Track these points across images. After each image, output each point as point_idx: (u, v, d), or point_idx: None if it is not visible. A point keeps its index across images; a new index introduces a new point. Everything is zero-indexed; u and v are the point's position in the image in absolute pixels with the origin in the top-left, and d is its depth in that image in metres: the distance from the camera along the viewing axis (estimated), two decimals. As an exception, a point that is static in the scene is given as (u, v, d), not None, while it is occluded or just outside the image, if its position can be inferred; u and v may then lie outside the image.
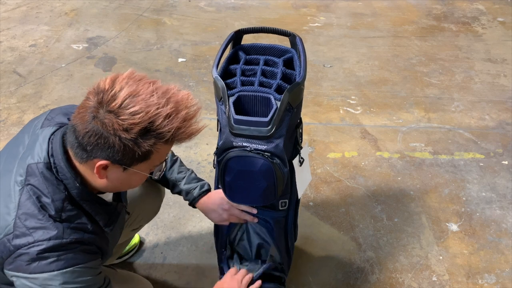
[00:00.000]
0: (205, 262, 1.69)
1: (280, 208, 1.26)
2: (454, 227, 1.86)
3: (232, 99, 1.08)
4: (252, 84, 1.11)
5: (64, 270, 0.89)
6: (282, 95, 1.04)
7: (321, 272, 1.67)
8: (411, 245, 1.78)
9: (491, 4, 4.00)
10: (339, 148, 2.27)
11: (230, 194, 1.18)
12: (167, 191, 1.44)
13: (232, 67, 1.18)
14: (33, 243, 0.87)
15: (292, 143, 1.20)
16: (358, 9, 3.87)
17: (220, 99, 1.09)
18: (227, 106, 1.07)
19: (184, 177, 1.33)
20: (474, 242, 1.80)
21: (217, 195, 1.29)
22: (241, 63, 1.19)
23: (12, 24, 3.41)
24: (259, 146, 1.08)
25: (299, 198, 1.33)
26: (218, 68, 1.15)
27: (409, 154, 2.24)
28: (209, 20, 3.54)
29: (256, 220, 1.27)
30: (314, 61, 3.05)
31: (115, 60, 2.98)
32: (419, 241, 1.79)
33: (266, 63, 1.19)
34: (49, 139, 0.95)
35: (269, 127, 1.05)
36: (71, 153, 0.92)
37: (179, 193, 1.34)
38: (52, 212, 0.90)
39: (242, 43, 1.27)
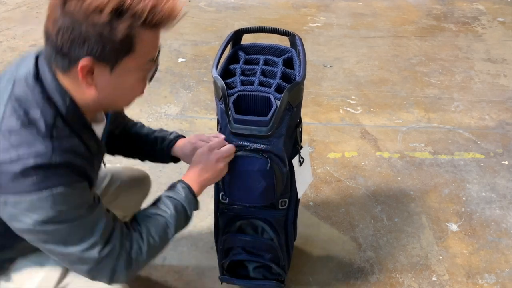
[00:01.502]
0: (205, 262, 1.69)
1: (280, 208, 1.26)
2: (454, 227, 1.86)
3: (232, 98, 1.08)
4: (252, 83, 1.11)
5: (49, 192, 0.79)
6: (282, 95, 1.04)
7: (321, 272, 1.67)
8: (411, 245, 1.78)
9: (491, 4, 4.00)
10: (339, 148, 2.27)
11: (230, 193, 1.18)
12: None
13: (232, 66, 1.18)
14: (17, 159, 0.77)
15: (292, 142, 1.20)
16: (358, 9, 3.87)
17: (220, 99, 1.09)
18: (227, 106, 1.07)
19: (155, 130, 1.27)
20: (474, 242, 1.80)
21: (193, 135, 1.24)
22: (240, 62, 1.19)
23: (12, 24, 3.42)
24: (259, 145, 1.08)
25: (299, 198, 1.33)
26: (218, 67, 1.15)
27: (409, 154, 2.24)
28: (209, 20, 3.54)
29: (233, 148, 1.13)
30: (314, 61, 3.05)
31: (115, 60, 2.98)
32: (419, 241, 1.79)
33: (266, 62, 1.19)
34: (34, 59, 0.86)
35: (269, 126, 1.05)
36: (53, 67, 0.83)
37: (153, 144, 1.24)
38: (42, 128, 0.80)
39: (241, 43, 1.27)
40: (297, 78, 1.08)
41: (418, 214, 1.91)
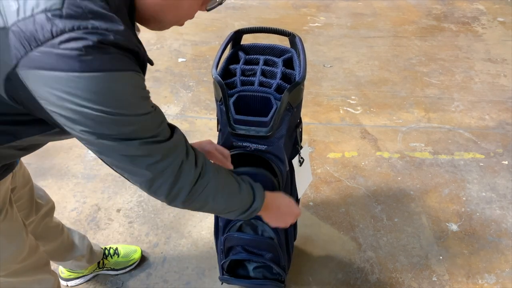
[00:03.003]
0: (205, 262, 1.69)
1: None
2: (454, 227, 1.86)
3: (232, 99, 1.08)
4: (252, 84, 1.11)
5: (118, 73, 0.67)
6: (282, 95, 1.04)
7: (321, 272, 1.67)
8: (411, 245, 1.78)
9: (491, 4, 4.00)
10: (339, 148, 2.27)
11: None
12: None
13: (232, 67, 1.18)
14: (91, 31, 0.63)
15: (292, 142, 1.20)
16: (358, 9, 3.87)
17: (220, 99, 1.09)
18: (227, 106, 1.07)
19: None
20: (474, 242, 1.80)
21: (203, 141, 1.17)
22: (240, 63, 1.19)
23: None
24: (259, 146, 1.08)
25: (299, 198, 1.33)
26: (218, 68, 1.15)
27: (409, 154, 2.24)
28: (209, 20, 3.54)
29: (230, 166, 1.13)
30: (314, 61, 3.05)
31: (115, 60, 2.98)
32: (419, 241, 1.79)
33: (266, 63, 1.19)
34: None
35: (269, 127, 1.05)
36: None
37: None
38: (112, 3, 0.69)
39: (241, 43, 1.27)
40: (297, 79, 1.08)
41: (418, 214, 1.91)
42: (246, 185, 0.95)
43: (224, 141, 1.11)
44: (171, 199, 0.83)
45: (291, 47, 1.25)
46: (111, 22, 0.66)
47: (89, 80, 0.64)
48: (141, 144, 0.74)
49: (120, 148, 0.73)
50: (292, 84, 1.05)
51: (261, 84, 1.11)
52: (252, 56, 1.22)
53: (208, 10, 0.82)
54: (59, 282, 1.28)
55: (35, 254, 1.13)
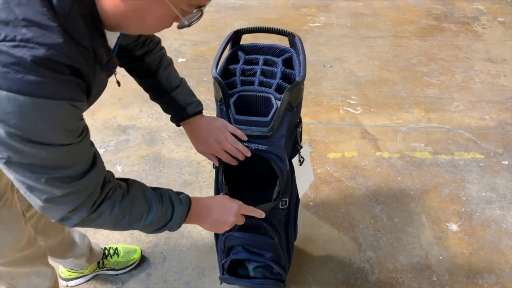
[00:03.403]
0: (205, 262, 1.69)
1: (281, 207, 1.26)
2: (454, 227, 1.86)
3: (232, 99, 1.08)
4: (252, 84, 1.11)
5: (50, 101, 0.61)
6: (282, 95, 1.04)
7: (321, 272, 1.67)
8: (411, 245, 1.78)
9: (491, 4, 4.00)
10: (339, 148, 2.27)
11: (231, 192, 1.18)
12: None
13: (231, 67, 1.18)
14: (20, 42, 0.58)
15: (292, 142, 1.20)
16: (358, 9, 3.87)
17: (220, 99, 1.09)
18: (228, 106, 1.07)
19: (179, 85, 1.15)
20: (474, 242, 1.80)
21: (215, 122, 1.12)
22: (240, 63, 1.19)
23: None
24: (260, 146, 1.08)
25: (299, 198, 1.33)
26: (218, 68, 1.15)
27: (409, 154, 2.24)
28: (209, 20, 3.54)
29: (249, 153, 1.09)
30: (314, 61, 3.05)
31: (115, 60, 2.98)
32: (419, 241, 1.79)
33: (266, 62, 1.19)
34: None
35: (270, 126, 1.05)
36: None
37: (168, 103, 1.16)
38: (60, 11, 0.61)
39: (241, 43, 1.27)
40: (297, 78, 1.08)
41: (418, 214, 1.91)
42: (161, 206, 0.91)
43: None
44: (60, 221, 0.80)
45: (290, 47, 1.25)
46: (48, 33, 0.59)
47: (6, 100, 0.59)
48: (47, 180, 0.70)
49: (21, 173, 0.69)
50: (292, 84, 1.05)
51: (261, 84, 1.11)
52: (252, 56, 1.22)
53: (179, 28, 0.75)
54: (56, 276, 1.28)
55: (33, 244, 1.13)
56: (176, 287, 1.61)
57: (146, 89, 1.19)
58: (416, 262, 1.71)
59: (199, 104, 1.18)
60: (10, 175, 0.70)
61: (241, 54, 1.22)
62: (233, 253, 1.37)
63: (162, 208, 0.91)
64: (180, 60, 3.04)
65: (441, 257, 1.73)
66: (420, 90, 2.76)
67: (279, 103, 1.05)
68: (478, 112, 2.57)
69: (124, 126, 2.39)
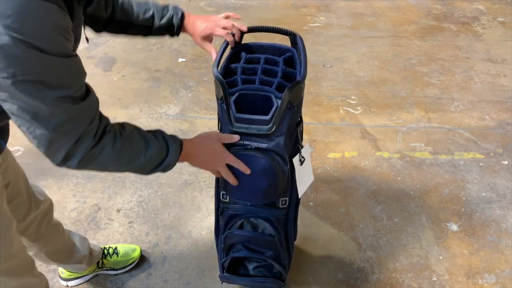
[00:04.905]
0: (205, 262, 1.69)
1: (281, 207, 1.26)
2: (454, 227, 1.86)
3: (233, 97, 1.08)
4: (253, 82, 1.10)
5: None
6: (283, 94, 1.04)
7: (321, 272, 1.66)
8: (411, 245, 1.78)
9: (491, 4, 4.00)
10: (339, 148, 2.27)
11: (232, 192, 1.18)
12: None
13: (232, 65, 1.18)
14: None
15: (293, 142, 1.20)
16: (358, 9, 3.87)
17: (221, 98, 1.09)
18: (228, 105, 1.07)
19: (153, 12, 1.20)
20: (474, 242, 1.80)
21: (202, 16, 1.23)
22: (241, 62, 1.19)
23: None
24: (260, 144, 1.08)
25: (299, 197, 1.33)
26: (219, 66, 1.15)
27: (409, 154, 2.24)
28: (209, 20, 3.54)
29: (244, 28, 1.21)
30: (314, 61, 3.05)
31: (115, 60, 2.98)
32: (419, 241, 1.79)
33: (267, 61, 1.19)
34: None
35: (270, 125, 1.05)
36: None
37: (158, 33, 1.23)
38: None
39: (242, 42, 1.27)
40: (298, 77, 1.08)
41: (418, 214, 1.91)
42: (157, 142, 0.95)
43: None
44: (65, 161, 0.82)
45: (292, 46, 1.25)
46: None
47: (4, 2, 0.64)
48: (53, 100, 0.73)
49: (28, 94, 0.71)
50: (293, 83, 1.05)
51: (262, 82, 1.10)
52: (253, 55, 1.22)
53: None
54: (47, 283, 1.25)
55: (23, 253, 1.11)
56: (176, 287, 1.61)
57: (135, 35, 1.24)
58: (416, 262, 1.71)
59: (176, 8, 1.22)
60: (16, 102, 0.72)
61: (242, 53, 1.22)
62: (233, 251, 1.37)
63: (158, 143, 0.95)
64: (180, 60, 3.04)
65: (441, 257, 1.73)
66: (420, 90, 2.76)
67: (279, 101, 1.05)
68: (478, 112, 2.57)
69: (124, 126, 2.38)
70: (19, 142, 2.19)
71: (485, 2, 4.04)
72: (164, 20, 1.20)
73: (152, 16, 1.20)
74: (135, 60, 2.98)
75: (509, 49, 3.27)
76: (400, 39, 3.38)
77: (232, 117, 1.06)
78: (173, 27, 1.22)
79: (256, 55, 1.22)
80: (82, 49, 3.07)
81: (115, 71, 2.84)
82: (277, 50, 1.24)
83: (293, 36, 1.23)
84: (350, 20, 3.67)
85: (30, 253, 1.29)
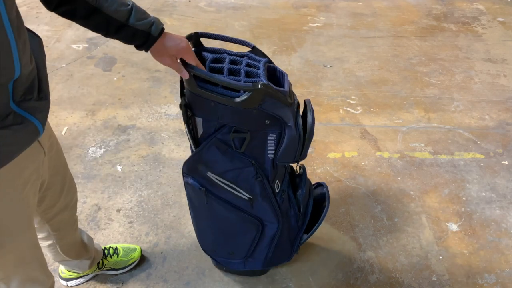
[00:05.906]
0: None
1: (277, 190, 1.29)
2: (454, 227, 1.86)
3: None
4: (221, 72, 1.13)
5: None
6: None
7: (321, 272, 1.67)
8: (411, 245, 1.78)
9: (491, 4, 4.00)
10: (339, 148, 2.27)
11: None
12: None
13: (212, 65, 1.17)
14: None
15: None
16: (358, 9, 3.87)
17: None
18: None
19: (131, 10, 1.01)
20: (474, 242, 1.80)
21: (176, 40, 1.07)
22: (208, 61, 1.18)
23: (12, 24, 3.41)
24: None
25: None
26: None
27: (409, 154, 2.24)
28: (209, 20, 3.54)
29: (186, 76, 1.10)
30: (314, 61, 3.05)
31: (115, 60, 2.98)
32: (419, 241, 1.79)
33: (232, 62, 1.19)
34: None
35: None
36: None
37: (130, 35, 1.02)
38: None
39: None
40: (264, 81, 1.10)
41: (418, 214, 1.91)
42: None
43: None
44: None
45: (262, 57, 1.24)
46: None
47: None
48: None
49: None
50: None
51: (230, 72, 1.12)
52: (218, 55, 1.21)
53: None
54: (53, 282, 1.24)
55: (38, 247, 1.12)
56: (176, 287, 1.61)
57: (95, 28, 1.01)
58: (416, 262, 1.71)
59: (157, 20, 1.05)
60: None
61: (206, 54, 1.21)
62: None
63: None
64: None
65: (441, 257, 1.73)
66: (420, 90, 2.76)
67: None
68: (478, 112, 2.57)
69: (124, 126, 2.39)
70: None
71: (485, 2, 4.04)
72: (140, 23, 1.01)
73: (130, 12, 1.00)
74: (135, 60, 2.98)
75: (509, 49, 3.27)
76: (400, 39, 3.38)
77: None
78: (148, 36, 1.03)
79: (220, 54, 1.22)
80: (82, 49, 3.08)
81: (115, 71, 2.85)
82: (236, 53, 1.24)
83: (254, 49, 1.22)
84: (350, 20, 3.67)
85: (46, 244, 1.32)
